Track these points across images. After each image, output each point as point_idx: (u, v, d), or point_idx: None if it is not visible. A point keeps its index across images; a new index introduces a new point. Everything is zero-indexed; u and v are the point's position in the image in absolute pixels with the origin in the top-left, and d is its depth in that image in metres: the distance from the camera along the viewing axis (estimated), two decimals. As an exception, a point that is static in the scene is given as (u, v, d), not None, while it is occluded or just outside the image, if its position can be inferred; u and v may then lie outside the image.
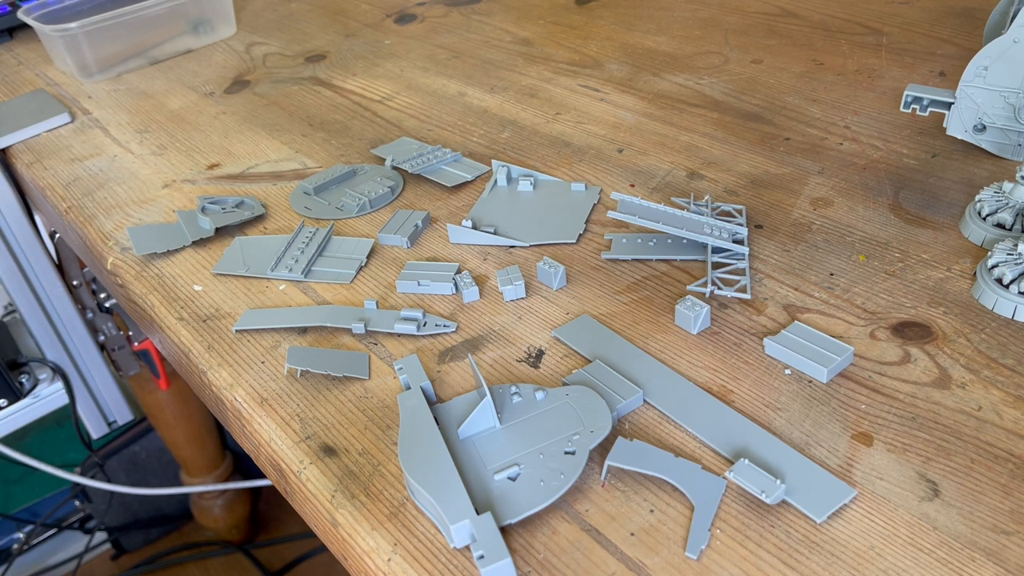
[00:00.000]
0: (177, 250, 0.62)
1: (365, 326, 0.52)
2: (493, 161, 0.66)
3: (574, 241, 0.58)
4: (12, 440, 0.97)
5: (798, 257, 0.54)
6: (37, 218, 0.91)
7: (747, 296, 0.51)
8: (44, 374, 0.98)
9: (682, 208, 0.58)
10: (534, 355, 0.49)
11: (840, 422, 0.42)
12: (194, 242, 0.62)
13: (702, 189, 0.62)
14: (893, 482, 0.39)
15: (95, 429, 1.08)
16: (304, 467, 0.44)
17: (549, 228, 0.59)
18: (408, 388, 0.47)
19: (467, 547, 0.38)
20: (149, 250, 0.62)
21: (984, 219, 0.53)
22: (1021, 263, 0.47)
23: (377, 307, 0.54)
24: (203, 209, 0.65)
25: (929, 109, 0.61)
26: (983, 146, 0.61)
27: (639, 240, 0.57)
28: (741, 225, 0.56)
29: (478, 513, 0.38)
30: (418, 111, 0.79)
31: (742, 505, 0.39)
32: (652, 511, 0.39)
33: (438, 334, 0.51)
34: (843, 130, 0.67)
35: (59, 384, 0.98)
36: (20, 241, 0.90)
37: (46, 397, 0.97)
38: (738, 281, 0.52)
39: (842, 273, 0.52)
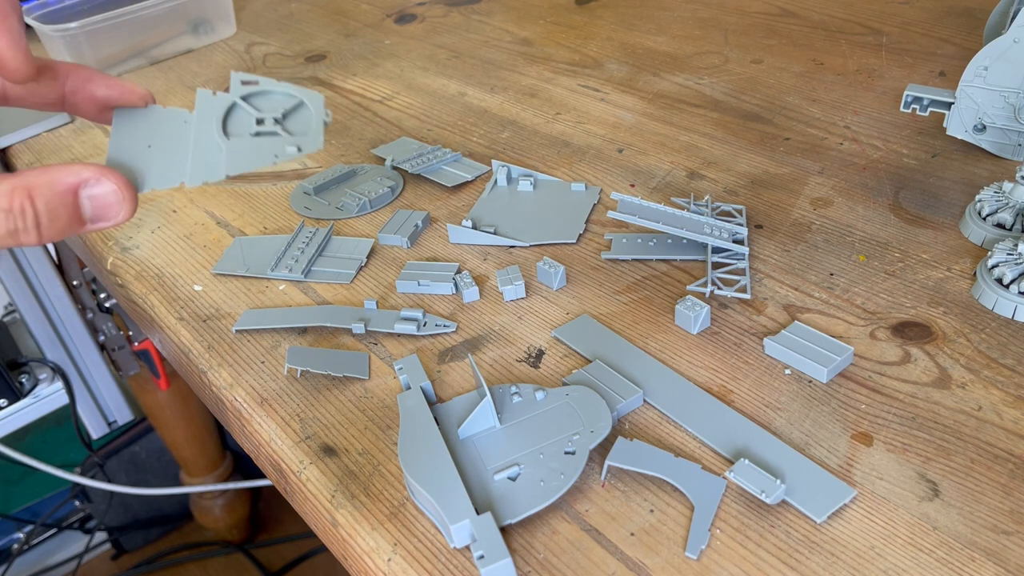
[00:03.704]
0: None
1: (365, 326, 0.52)
2: (493, 161, 0.66)
3: (574, 241, 0.58)
4: (12, 440, 0.97)
5: (798, 257, 0.54)
6: (37, 218, 0.91)
7: (747, 296, 0.51)
8: (44, 374, 0.98)
9: (682, 208, 0.58)
10: (534, 355, 0.49)
11: (840, 422, 0.42)
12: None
13: (702, 189, 0.62)
14: (893, 482, 0.39)
15: (95, 429, 1.08)
16: (304, 467, 0.44)
17: (549, 228, 0.59)
18: (408, 388, 0.47)
19: (467, 547, 0.38)
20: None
21: (984, 219, 0.53)
22: (1021, 263, 0.47)
23: (377, 307, 0.54)
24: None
25: (929, 109, 0.61)
26: (983, 146, 0.61)
27: (639, 240, 0.57)
28: (741, 225, 0.56)
29: (478, 513, 0.38)
30: (418, 111, 0.79)
31: (742, 505, 0.39)
32: (652, 511, 0.39)
33: (438, 334, 0.51)
34: (843, 130, 0.67)
35: (59, 384, 0.98)
36: (20, 241, 0.90)
37: (46, 397, 0.97)
38: (738, 281, 0.52)
39: (842, 273, 0.52)
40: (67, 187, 0.32)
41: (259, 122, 0.36)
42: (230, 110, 0.36)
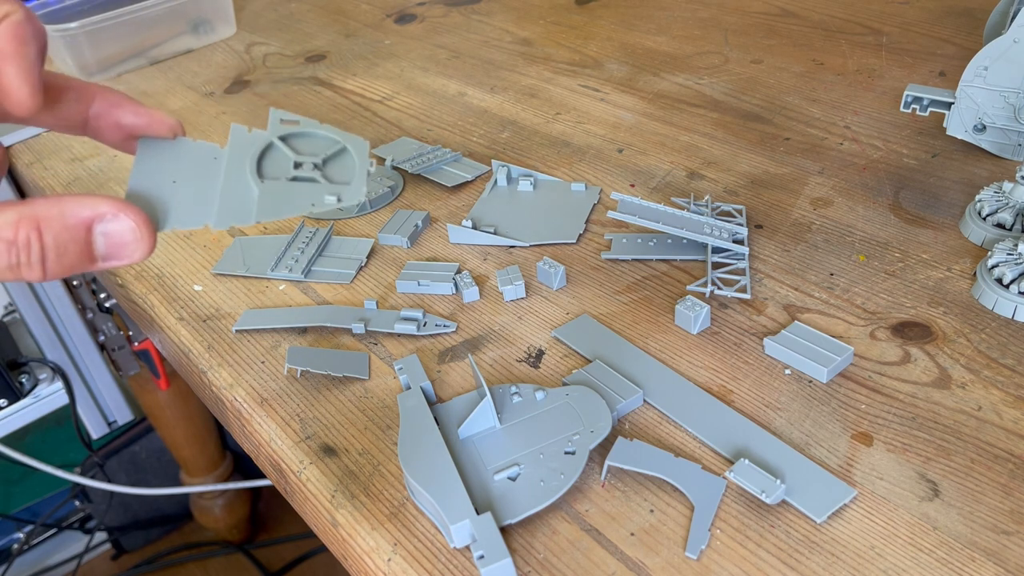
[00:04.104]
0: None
1: (365, 326, 0.52)
2: (493, 161, 0.66)
3: (574, 241, 0.58)
4: (12, 440, 0.97)
5: (798, 257, 0.54)
6: (37, 218, 0.90)
7: (747, 296, 0.51)
8: (44, 374, 0.98)
9: (682, 208, 0.58)
10: (534, 355, 0.49)
11: (840, 422, 0.42)
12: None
13: (702, 189, 0.62)
14: (893, 482, 0.39)
15: (95, 429, 1.08)
16: (304, 467, 0.44)
17: (549, 228, 0.59)
18: (408, 388, 0.47)
19: (467, 547, 0.38)
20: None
21: (984, 219, 0.53)
22: (1021, 263, 0.47)
23: (377, 307, 0.54)
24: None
25: (929, 109, 0.61)
26: (983, 146, 0.61)
27: (639, 240, 0.57)
28: (741, 225, 0.56)
29: (478, 513, 0.38)
30: (418, 111, 0.79)
31: (742, 505, 0.39)
32: (652, 511, 0.39)
33: (438, 334, 0.51)
34: (843, 130, 0.67)
35: (59, 384, 0.98)
36: (20, 241, 0.90)
37: (46, 397, 0.97)
38: (738, 281, 0.52)
39: (842, 273, 0.52)
40: (80, 221, 0.29)
41: (297, 165, 0.33)
42: (266, 150, 0.33)
